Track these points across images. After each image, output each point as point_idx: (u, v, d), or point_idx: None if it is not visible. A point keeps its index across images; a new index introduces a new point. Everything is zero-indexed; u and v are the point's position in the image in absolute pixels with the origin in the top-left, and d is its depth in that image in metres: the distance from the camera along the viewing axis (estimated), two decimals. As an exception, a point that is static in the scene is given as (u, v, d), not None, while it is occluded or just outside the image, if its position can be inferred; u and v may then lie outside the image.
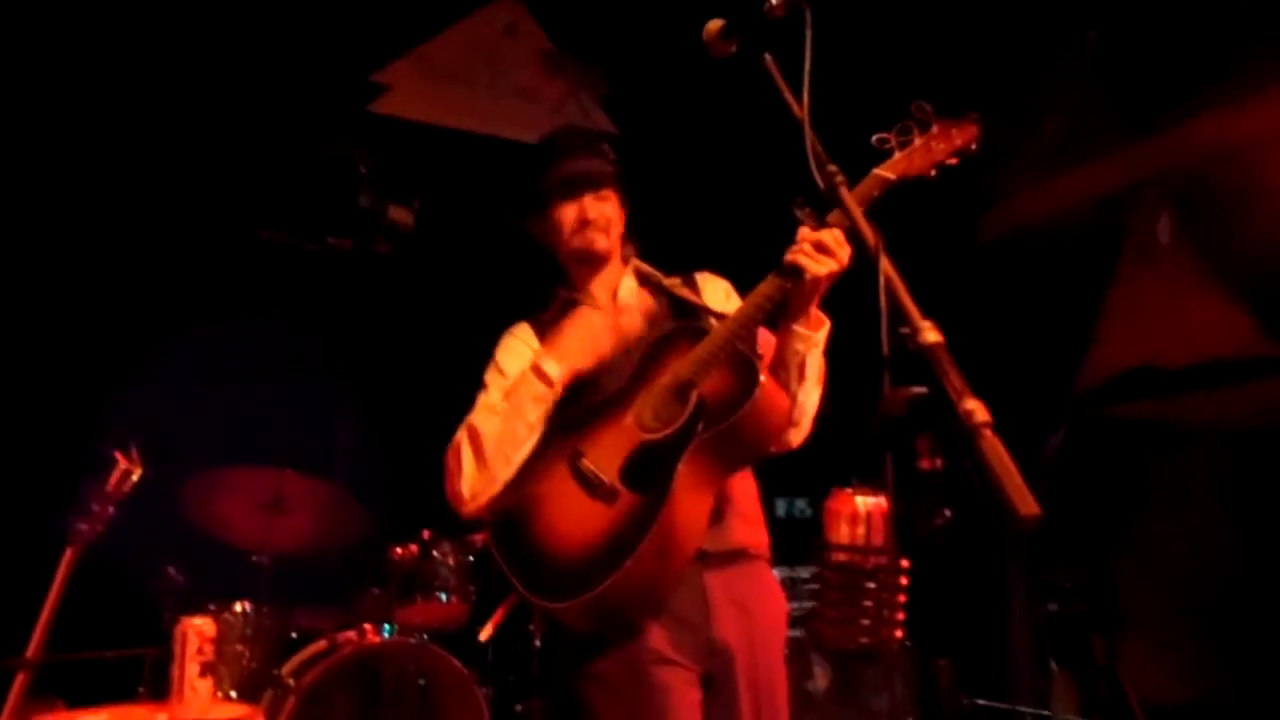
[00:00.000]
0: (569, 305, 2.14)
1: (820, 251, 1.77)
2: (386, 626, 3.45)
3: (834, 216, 1.78)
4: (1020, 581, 4.37)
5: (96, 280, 4.04)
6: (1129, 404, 4.21)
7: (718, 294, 2.14)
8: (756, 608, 1.92)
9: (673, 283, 2.12)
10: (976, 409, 1.07)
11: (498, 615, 3.46)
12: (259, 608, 3.41)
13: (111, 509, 2.48)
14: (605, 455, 1.86)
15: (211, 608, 3.27)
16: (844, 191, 1.38)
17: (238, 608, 3.37)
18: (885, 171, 1.82)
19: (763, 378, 1.79)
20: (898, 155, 1.84)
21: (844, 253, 1.77)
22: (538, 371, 1.94)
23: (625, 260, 2.19)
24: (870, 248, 1.30)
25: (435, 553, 3.63)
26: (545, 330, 2.13)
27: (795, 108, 1.45)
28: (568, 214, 2.10)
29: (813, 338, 1.90)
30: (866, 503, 2.42)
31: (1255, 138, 3.63)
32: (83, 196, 4.05)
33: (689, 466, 1.78)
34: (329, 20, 4.10)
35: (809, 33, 1.44)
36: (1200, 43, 3.64)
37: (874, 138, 1.84)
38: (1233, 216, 3.77)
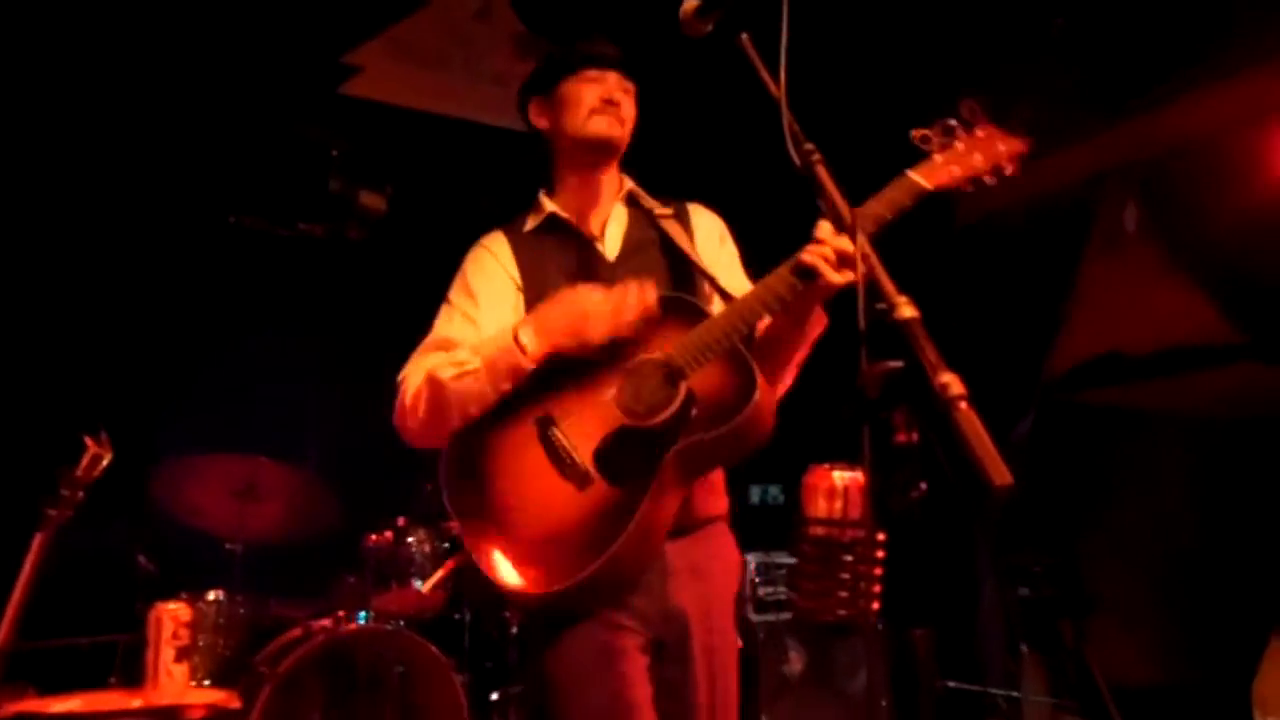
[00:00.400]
0: (555, 225, 1.97)
1: (842, 263, 1.63)
2: (362, 614, 3.44)
3: (862, 219, 1.55)
4: (990, 565, 4.43)
5: (66, 265, 3.98)
6: (1096, 390, 4.27)
7: (711, 235, 2.02)
8: (711, 569, 1.87)
9: (665, 213, 1.98)
10: (952, 382, 1.09)
11: (444, 569, 3.45)
12: (232, 596, 3.40)
13: (81, 494, 2.45)
14: (579, 428, 1.76)
15: (184, 596, 3.25)
16: (821, 171, 1.37)
17: (211, 596, 3.35)
18: (921, 178, 1.68)
19: (760, 388, 1.67)
20: (937, 159, 1.70)
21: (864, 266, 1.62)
22: (518, 342, 1.77)
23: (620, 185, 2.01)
24: (847, 225, 1.31)
25: (410, 539, 3.62)
26: (522, 246, 1.96)
27: (772, 87, 1.45)
28: (589, 91, 1.92)
29: (809, 337, 1.82)
30: (844, 477, 2.44)
31: (1219, 126, 3.69)
32: (52, 181, 3.98)
33: (670, 466, 1.70)
34: (300, 1, 4.06)
35: (785, 11, 1.44)
36: (1167, 30, 3.68)
37: (915, 133, 1.70)
38: (1197, 205, 3.83)
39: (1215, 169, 3.69)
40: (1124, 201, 4.03)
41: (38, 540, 2.42)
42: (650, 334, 1.78)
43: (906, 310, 1.18)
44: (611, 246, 1.96)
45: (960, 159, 1.69)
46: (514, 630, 3.63)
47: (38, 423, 3.57)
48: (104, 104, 4.02)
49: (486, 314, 1.90)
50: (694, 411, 1.70)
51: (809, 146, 1.41)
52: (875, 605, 2.46)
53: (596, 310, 1.76)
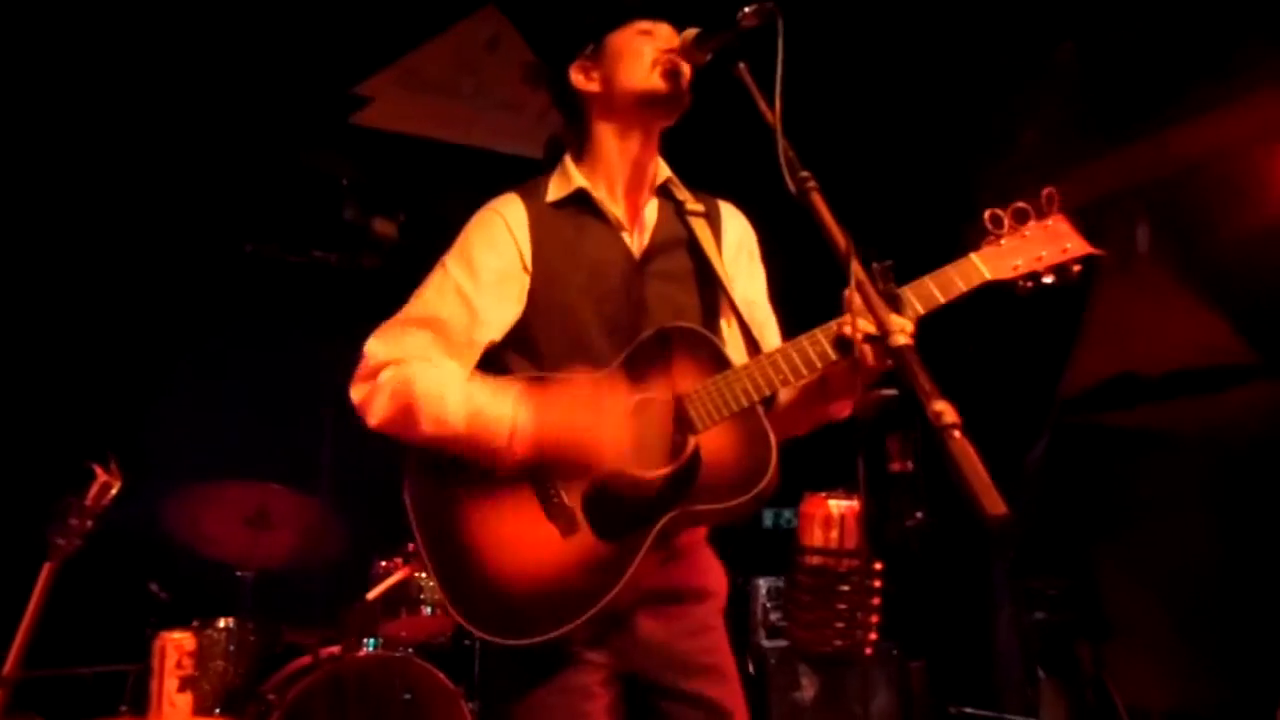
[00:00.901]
0: (583, 203, 1.77)
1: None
2: (370, 640, 3.43)
3: (913, 296, 1.56)
4: (1006, 589, 4.38)
5: (81, 292, 4.02)
6: (1111, 411, 4.24)
7: (741, 246, 1.86)
8: (692, 592, 1.73)
9: (696, 209, 1.82)
10: (945, 410, 1.07)
11: (395, 578, 3.40)
12: (243, 623, 3.40)
13: (90, 523, 2.46)
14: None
15: (195, 623, 3.26)
16: (816, 198, 1.35)
17: (221, 623, 3.36)
18: (984, 264, 1.61)
19: (772, 472, 1.53)
20: (1003, 244, 1.62)
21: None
22: (513, 435, 1.59)
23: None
24: (841, 253, 1.30)
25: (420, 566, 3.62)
26: (541, 220, 1.75)
27: (768, 115, 1.45)
28: (646, 43, 1.73)
29: (831, 415, 1.70)
30: (840, 506, 2.39)
31: (1227, 147, 3.68)
32: (67, 210, 4.04)
33: (664, 527, 1.58)
34: (311, 34, 4.12)
35: (780, 42, 1.44)
36: (1175, 53, 3.69)
37: (986, 213, 1.64)
38: (1207, 225, 3.82)
39: (1225, 189, 3.68)
40: (1135, 222, 4.02)
41: (46, 569, 2.42)
42: (660, 368, 1.63)
43: (900, 338, 1.18)
44: (641, 241, 1.78)
45: (1025, 249, 1.62)
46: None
47: (48, 450, 3.60)
48: (121, 134, 4.09)
49: (486, 296, 1.71)
50: (698, 476, 1.56)
51: (804, 174, 1.39)
52: (872, 635, 2.42)
53: (609, 452, 1.57)
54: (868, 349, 1.45)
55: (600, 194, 1.78)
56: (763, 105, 1.47)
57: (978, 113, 3.93)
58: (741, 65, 1.55)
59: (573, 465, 1.59)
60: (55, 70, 3.98)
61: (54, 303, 3.98)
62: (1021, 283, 1.63)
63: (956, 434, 1.06)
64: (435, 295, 1.74)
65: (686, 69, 1.72)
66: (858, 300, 1.47)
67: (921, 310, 1.56)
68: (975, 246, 1.64)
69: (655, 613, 1.67)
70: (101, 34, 3.98)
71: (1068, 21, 3.68)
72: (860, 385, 1.60)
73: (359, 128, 4.39)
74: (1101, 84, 3.80)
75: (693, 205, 1.82)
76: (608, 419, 1.58)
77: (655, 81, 1.71)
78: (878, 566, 2.36)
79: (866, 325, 1.44)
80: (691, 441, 1.57)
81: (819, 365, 1.55)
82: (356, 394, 1.71)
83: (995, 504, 1.00)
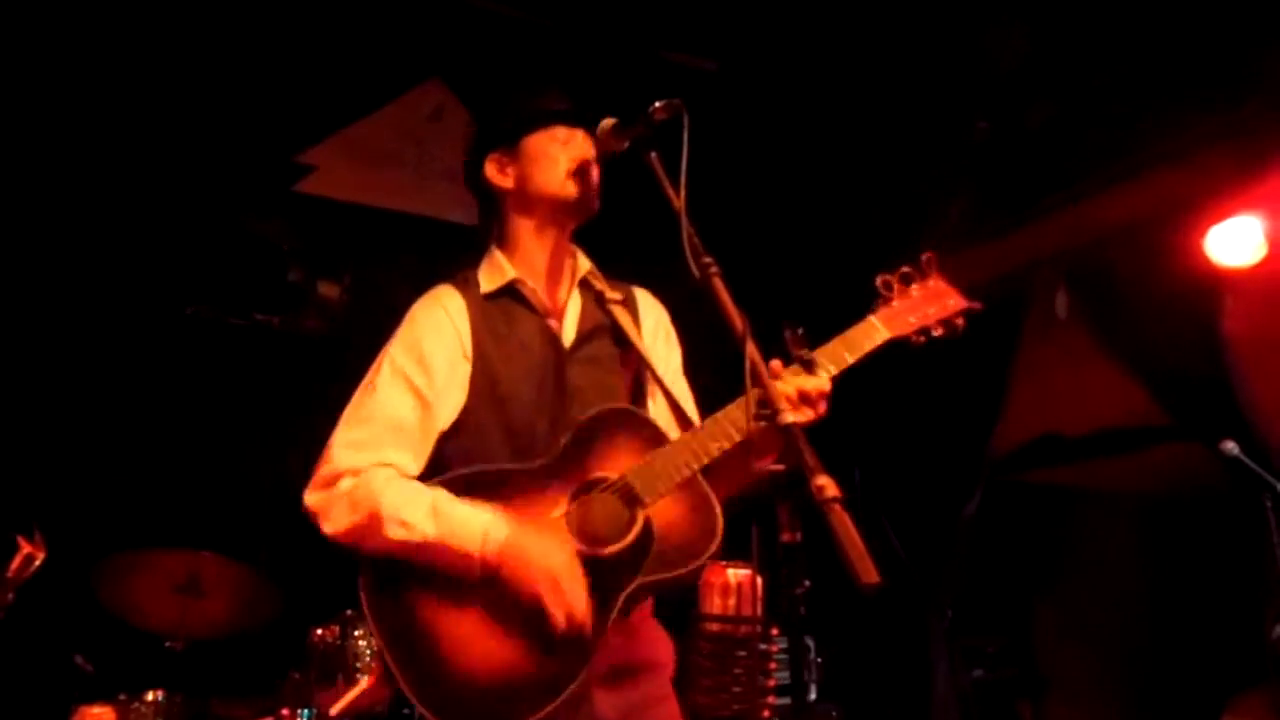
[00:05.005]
0: (515, 295, 1.86)
1: (803, 401, 1.61)
2: (305, 712, 3.37)
3: (825, 359, 1.67)
4: (943, 648, 4.44)
5: (7, 352, 3.95)
6: (1038, 470, 4.37)
7: (657, 330, 1.96)
8: (641, 665, 1.76)
9: (615, 298, 1.92)
10: (827, 485, 1.15)
11: (356, 691, 3.32)
12: (171, 695, 3.32)
13: (11, 596, 2.42)
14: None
15: (121, 697, 3.18)
16: (717, 283, 1.43)
17: (149, 696, 3.28)
18: (882, 324, 1.75)
19: (720, 534, 1.61)
20: (896, 305, 1.77)
21: (823, 406, 1.63)
22: (482, 553, 1.62)
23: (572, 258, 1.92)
24: (737, 334, 1.37)
25: (356, 633, 3.57)
26: (480, 313, 1.83)
27: (674, 200, 1.53)
28: (562, 150, 1.84)
29: (758, 473, 1.70)
30: (738, 574, 2.48)
31: (1141, 219, 3.88)
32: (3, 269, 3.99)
33: (624, 602, 1.61)
34: (255, 101, 4.17)
35: (685, 135, 1.54)
36: (1087, 129, 3.89)
37: (879, 278, 1.78)
38: (1121, 293, 4.00)
39: (1136, 260, 3.87)
40: (1055, 289, 4.19)
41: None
42: (601, 448, 1.70)
43: (789, 416, 1.25)
44: (568, 330, 1.87)
45: (916, 308, 1.78)
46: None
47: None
48: (60, 194, 4.06)
49: (437, 387, 1.77)
50: (651, 548, 1.62)
51: (707, 259, 1.47)
52: (770, 699, 2.48)
53: (566, 601, 1.59)
54: (788, 409, 1.48)
55: (530, 286, 1.87)
56: (669, 192, 1.56)
57: (900, 189, 4.10)
58: (653, 154, 1.64)
59: (534, 593, 1.60)
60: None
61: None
62: (914, 337, 1.78)
63: (837, 507, 1.13)
64: (389, 392, 1.78)
65: (596, 176, 1.84)
66: (776, 365, 1.61)
67: (834, 371, 1.69)
68: (872, 309, 1.80)
69: (611, 689, 1.68)
70: (43, 92, 3.98)
71: (981, 102, 3.88)
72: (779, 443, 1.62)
73: (302, 195, 4.43)
74: (1017, 159, 3.99)
75: (611, 294, 1.92)
76: (570, 575, 1.60)
77: (569, 188, 1.84)
78: (774, 633, 2.46)
79: (787, 389, 1.59)
80: (641, 515, 1.62)
81: (745, 428, 1.58)
82: (312, 499, 1.74)
83: (869, 572, 1.07)
